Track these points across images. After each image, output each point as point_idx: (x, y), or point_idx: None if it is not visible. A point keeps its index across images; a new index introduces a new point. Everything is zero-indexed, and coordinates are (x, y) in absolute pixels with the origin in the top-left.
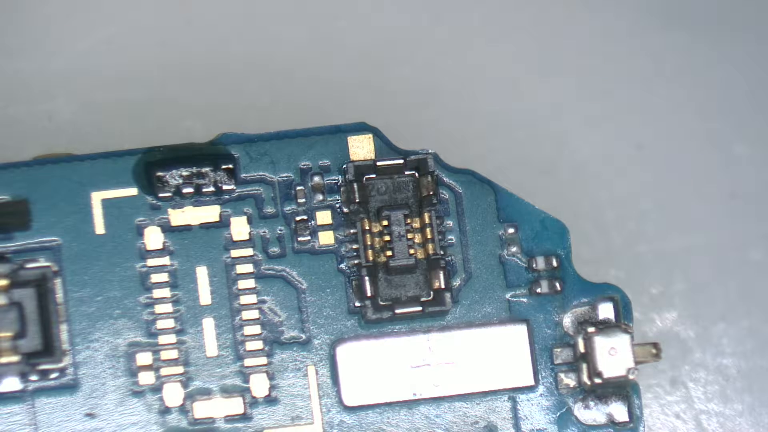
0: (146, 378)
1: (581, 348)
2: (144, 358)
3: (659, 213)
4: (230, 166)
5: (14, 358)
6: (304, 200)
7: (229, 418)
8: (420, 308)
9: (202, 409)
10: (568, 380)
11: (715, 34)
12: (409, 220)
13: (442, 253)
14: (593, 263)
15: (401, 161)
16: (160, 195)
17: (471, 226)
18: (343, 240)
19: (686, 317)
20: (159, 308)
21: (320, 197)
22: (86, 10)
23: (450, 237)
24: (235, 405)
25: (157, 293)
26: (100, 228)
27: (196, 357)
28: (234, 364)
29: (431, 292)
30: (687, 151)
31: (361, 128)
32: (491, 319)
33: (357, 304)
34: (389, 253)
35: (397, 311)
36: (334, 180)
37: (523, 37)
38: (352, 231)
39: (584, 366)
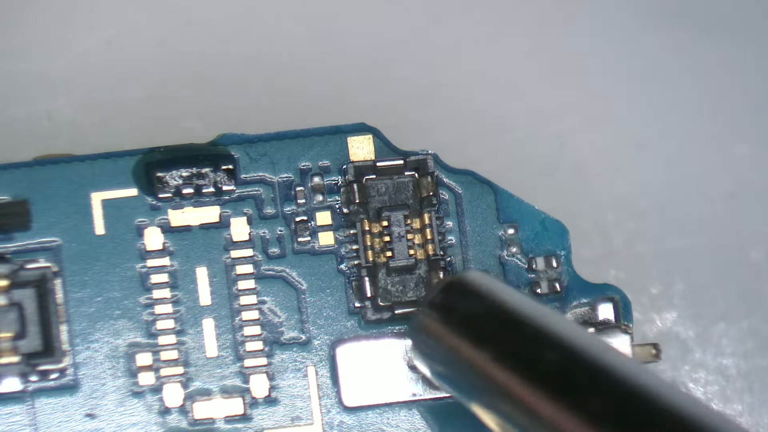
0: (146, 378)
1: None
2: (144, 358)
3: (659, 213)
4: (230, 166)
5: (14, 359)
6: (304, 201)
7: (229, 419)
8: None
9: (202, 409)
10: None
11: (715, 34)
12: (409, 221)
13: (442, 253)
14: (593, 263)
15: (401, 162)
16: (160, 195)
17: (471, 226)
18: (343, 241)
19: (686, 317)
20: (159, 309)
21: (320, 198)
22: (86, 10)
23: (450, 238)
24: (235, 405)
25: (157, 294)
26: (100, 228)
27: (196, 357)
28: (234, 364)
29: None
30: (687, 151)
31: (360, 129)
32: None
33: (357, 304)
34: (389, 253)
35: (396, 312)
36: (334, 180)
37: (523, 37)
38: (352, 231)
39: None
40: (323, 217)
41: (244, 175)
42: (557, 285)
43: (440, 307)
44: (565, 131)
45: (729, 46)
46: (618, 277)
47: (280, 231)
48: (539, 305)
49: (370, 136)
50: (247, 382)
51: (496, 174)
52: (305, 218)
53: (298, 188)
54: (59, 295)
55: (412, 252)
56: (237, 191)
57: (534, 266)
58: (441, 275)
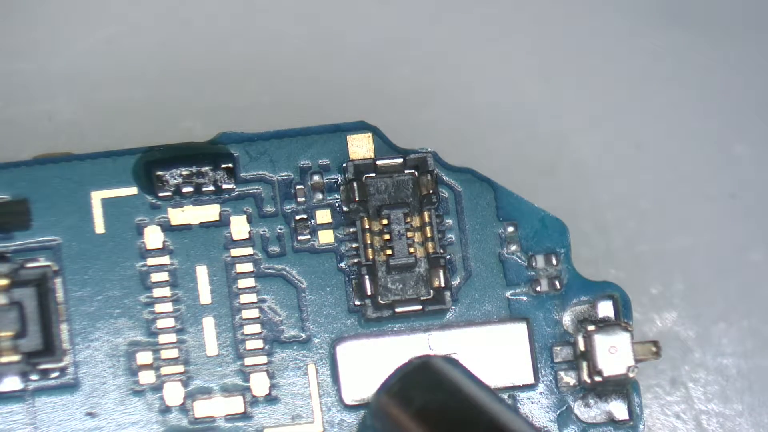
0: (146, 377)
1: (581, 346)
2: (144, 357)
3: (659, 213)
4: (230, 165)
5: (15, 358)
6: (303, 199)
7: (230, 417)
8: (420, 307)
9: (202, 408)
10: (568, 378)
11: (715, 34)
12: (408, 219)
13: (441, 251)
14: (593, 263)
15: (401, 160)
16: (160, 194)
17: (471, 224)
18: (342, 239)
19: (686, 317)
20: (159, 307)
21: (320, 196)
22: (86, 10)
23: (450, 235)
24: (236, 404)
25: (157, 292)
26: (100, 227)
27: (197, 356)
28: (234, 363)
29: (431, 291)
30: (687, 151)
31: (360, 127)
32: (491, 318)
33: (357, 302)
34: (389, 251)
35: (397, 310)
36: (334, 179)
37: (523, 37)
38: (351, 230)
39: (584, 364)
40: (323, 216)
41: (243, 174)
42: (557, 283)
43: (398, 395)
44: (565, 131)
45: (729, 46)
46: (618, 277)
47: (280, 229)
48: (496, 401)
49: (370, 134)
50: (247, 380)
51: (496, 174)
52: (305, 216)
53: (298, 186)
54: (59, 294)
55: (412, 250)
56: (237, 190)
57: (534, 264)
58: (441, 273)
